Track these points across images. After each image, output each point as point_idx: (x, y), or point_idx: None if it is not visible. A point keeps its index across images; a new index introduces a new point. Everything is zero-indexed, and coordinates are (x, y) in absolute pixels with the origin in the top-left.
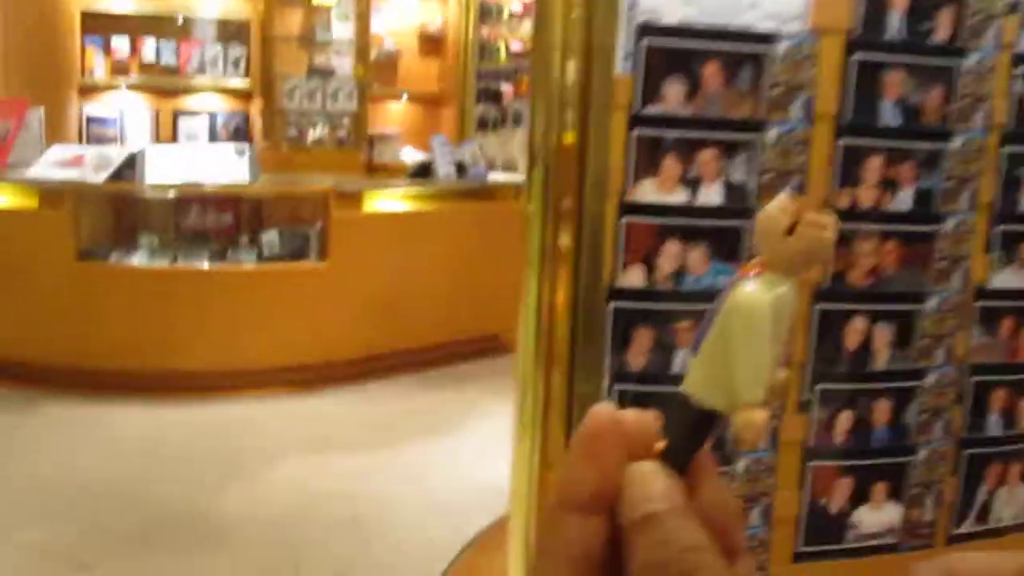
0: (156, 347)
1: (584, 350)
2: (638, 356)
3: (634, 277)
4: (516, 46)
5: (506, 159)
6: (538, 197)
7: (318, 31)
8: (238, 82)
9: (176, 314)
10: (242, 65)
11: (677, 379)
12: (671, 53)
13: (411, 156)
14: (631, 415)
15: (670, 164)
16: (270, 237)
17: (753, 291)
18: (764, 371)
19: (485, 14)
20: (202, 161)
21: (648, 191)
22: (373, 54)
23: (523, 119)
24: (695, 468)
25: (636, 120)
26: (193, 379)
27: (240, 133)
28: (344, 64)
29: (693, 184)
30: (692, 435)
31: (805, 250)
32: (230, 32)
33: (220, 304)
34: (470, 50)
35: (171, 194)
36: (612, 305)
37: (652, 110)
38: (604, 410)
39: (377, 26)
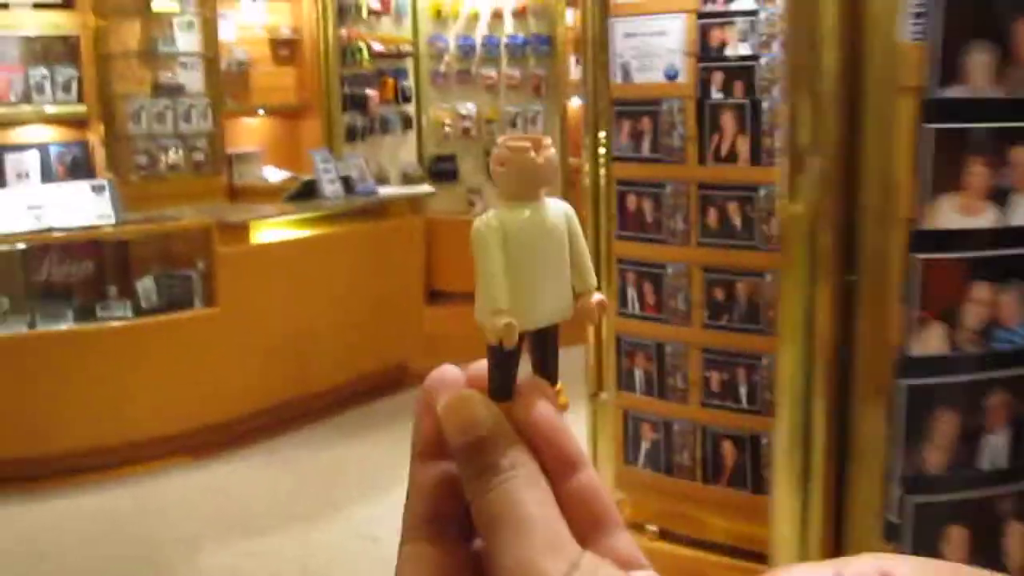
0: (20, 429)
1: (860, 446)
2: (937, 451)
3: (934, 339)
4: (378, 47)
5: (377, 170)
6: (798, 242)
7: (160, 43)
8: (71, 108)
9: (40, 387)
10: (74, 88)
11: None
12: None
13: (275, 175)
14: (464, 367)
15: (978, 172)
16: (146, 285)
17: (479, 220)
18: (495, 282)
19: (343, 13)
20: (52, 203)
21: (949, 213)
22: (223, 65)
23: (393, 126)
24: (517, 393)
25: (931, 107)
26: (71, 462)
27: (80, 166)
28: (193, 79)
29: (1000, 198)
30: (496, 361)
31: (515, 175)
32: (56, 52)
33: (93, 370)
34: (331, 54)
35: (19, 246)
36: (904, 382)
37: (952, 92)
38: (441, 367)
39: (226, 34)
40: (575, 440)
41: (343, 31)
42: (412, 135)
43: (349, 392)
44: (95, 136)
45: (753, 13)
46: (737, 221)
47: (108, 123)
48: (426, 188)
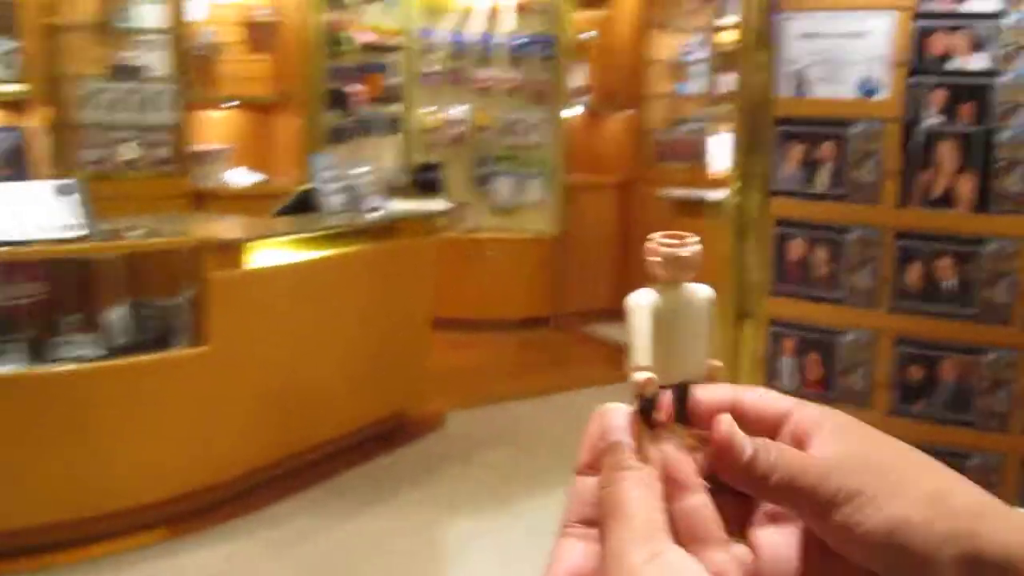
0: None
1: None
2: None
3: None
4: (366, 38)
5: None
6: None
7: (118, 17)
8: (9, 87)
9: None
10: (15, 64)
11: None
12: None
13: (243, 178)
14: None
15: None
16: (119, 317)
17: (635, 295)
18: (640, 345)
19: None
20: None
21: None
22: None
23: (376, 128)
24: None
25: None
26: (24, 541)
27: (16, 158)
28: (155, 61)
29: None
30: (639, 405)
31: (664, 265)
32: None
33: (51, 424)
34: (315, 42)
35: None
36: None
37: None
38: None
39: (194, 11)
40: (692, 469)
41: (329, 16)
42: (396, 139)
43: (349, 443)
44: (36, 122)
45: (995, 16)
46: (950, 282)
47: (54, 107)
48: (441, 204)
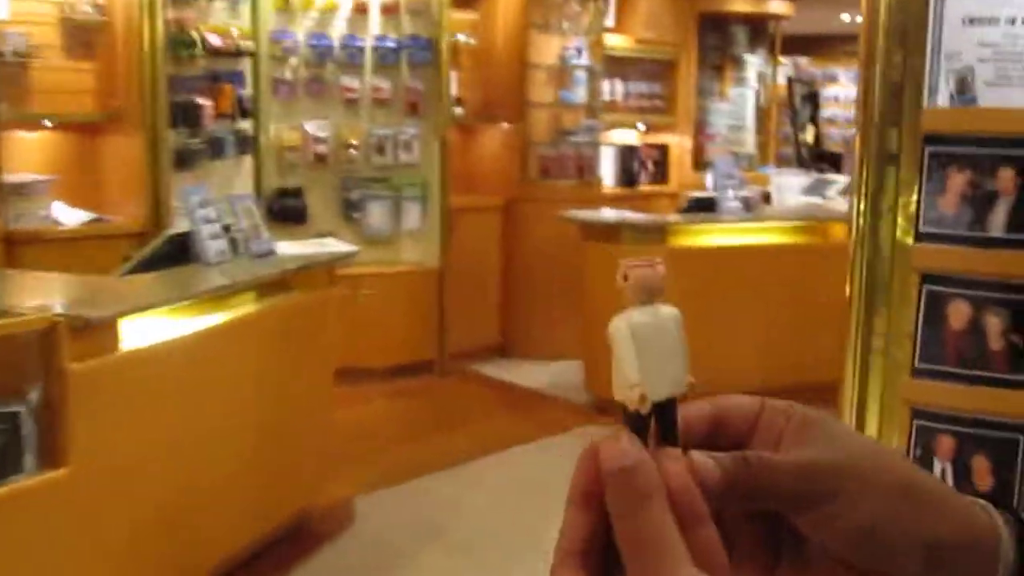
0: None
1: None
2: None
3: None
4: (215, 41)
5: None
6: None
7: None
8: None
9: None
10: None
11: None
12: None
13: (68, 216)
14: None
15: None
16: None
17: (616, 319)
18: (629, 364)
19: None
20: None
21: None
22: None
23: (226, 149)
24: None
25: None
26: None
27: None
28: None
29: None
30: (633, 426)
31: (631, 288)
32: None
33: None
34: (155, 45)
35: None
36: None
37: None
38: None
39: None
40: (701, 499)
41: (171, 14)
42: (249, 161)
43: (256, 558)
44: None
45: None
46: None
47: None
48: (345, 247)
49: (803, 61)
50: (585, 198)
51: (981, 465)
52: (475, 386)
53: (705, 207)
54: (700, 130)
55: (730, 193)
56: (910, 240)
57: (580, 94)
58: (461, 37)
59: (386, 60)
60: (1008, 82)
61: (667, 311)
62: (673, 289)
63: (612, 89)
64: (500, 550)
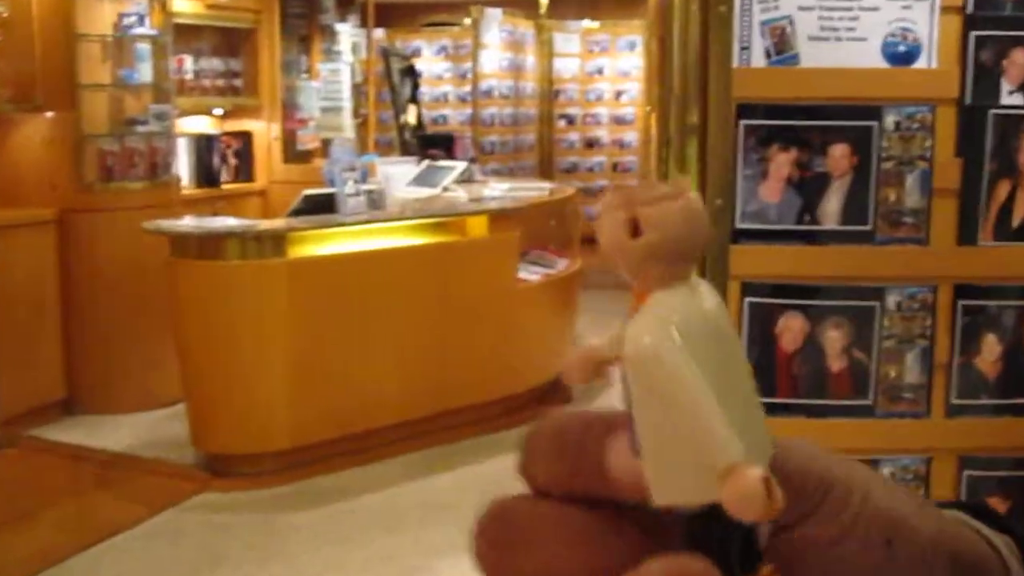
0: None
1: None
2: None
3: None
4: None
5: None
6: None
7: None
8: None
9: None
10: None
11: None
12: None
13: None
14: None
15: None
16: None
17: (640, 331)
18: (712, 417)
19: None
20: None
21: None
22: None
23: None
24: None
25: None
26: None
27: None
28: None
29: None
30: (707, 547)
31: (659, 242)
32: None
33: None
34: None
35: None
36: None
37: None
38: None
39: None
40: None
41: None
42: None
43: None
44: None
45: None
46: None
47: None
48: None
49: (379, 33)
50: (162, 203)
51: None
52: (43, 457)
53: (323, 207)
54: (289, 114)
55: (351, 188)
56: (725, 241)
57: (145, 72)
58: None
59: None
60: (836, 35)
61: (707, 287)
62: (295, 312)
63: (181, 66)
64: None
